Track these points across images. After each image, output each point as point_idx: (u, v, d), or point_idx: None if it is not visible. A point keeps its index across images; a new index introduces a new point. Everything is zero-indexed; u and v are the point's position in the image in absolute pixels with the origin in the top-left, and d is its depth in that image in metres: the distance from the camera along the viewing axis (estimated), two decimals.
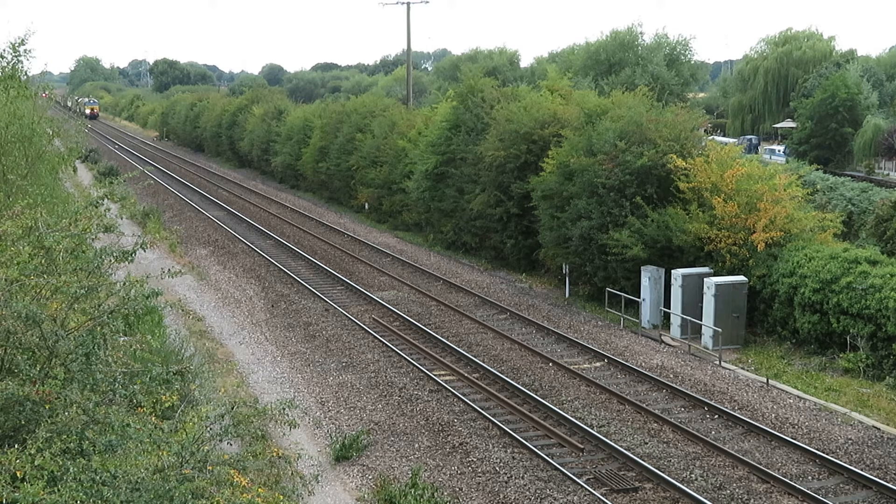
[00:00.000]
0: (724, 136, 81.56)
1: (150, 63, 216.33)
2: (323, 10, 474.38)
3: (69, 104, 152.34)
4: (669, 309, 28.16)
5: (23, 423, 9.41)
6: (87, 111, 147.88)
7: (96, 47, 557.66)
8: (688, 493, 17.17)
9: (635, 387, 23.72)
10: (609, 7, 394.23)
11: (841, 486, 17.85)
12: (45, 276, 10.43)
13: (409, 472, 17.56)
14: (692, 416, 21.67)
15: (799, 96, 77.41)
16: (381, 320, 29.92)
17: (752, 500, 17.20)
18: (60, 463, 8.51)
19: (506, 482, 18.07)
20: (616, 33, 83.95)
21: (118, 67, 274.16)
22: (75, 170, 54.90)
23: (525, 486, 17.86)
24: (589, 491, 17.48)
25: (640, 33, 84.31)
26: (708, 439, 19.86)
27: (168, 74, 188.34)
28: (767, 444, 19.88)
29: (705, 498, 17.09)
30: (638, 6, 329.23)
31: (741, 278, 26.98)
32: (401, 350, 26.69)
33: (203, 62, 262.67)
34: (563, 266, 33.18)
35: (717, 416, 21.54)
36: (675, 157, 29.69)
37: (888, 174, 65.78)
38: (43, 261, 10.78)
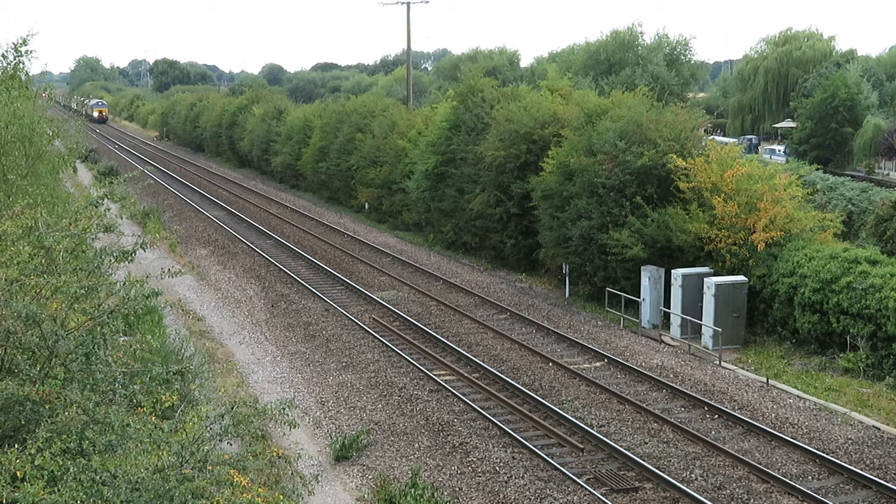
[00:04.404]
0: (724, 135, 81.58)
1: (150, 63, 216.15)
2: (323, 10, 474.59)
3: (73, 105, 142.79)
4: (669, 309, 28.16)
5: (23, 423, 9.41)
6: (95, 114, 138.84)
7: (96, 47, 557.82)
8: (688, 493, 17.17)
9: (635, 387, 23.73)
10: (609, 7, 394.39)
11: (841, 486, 17.85)
12: (45, 276, 10.42)
13: (409, 472, 17.56)
14: (692, 415, 21.67)
15: (799, 96, 77.42)
16: (381, 320, 29.92)
17: (752, 500, 17.20)
18: (60, 463, 8.51)
19: (506, 482, 18.07)
20: (616, 33, 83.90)
21: (118, 67, 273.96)
22: (75, 170, 54.94)
23: (525, 485, 17.87)
24: (589, 491, 17.48)
25: (641, 33, 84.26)
26: (708, 439, 19.87)
27: (168, 74, 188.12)
28: (767, 444, 19.89)
29: (705, 498, 17.09)
30: (638, 6, 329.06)
31: (741, 278, 26.98)
32: (401, 350, 26.69)
33: (203, 62, 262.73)
34: (563, 266, 33.18)
35: (717, 416, 21.54)
36: (675, 156, 29.69)
37: (888, 174, 65.79)
38: (43, 261, 10.78)
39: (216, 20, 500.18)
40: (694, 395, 22.73)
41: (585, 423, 20.83)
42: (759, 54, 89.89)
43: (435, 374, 24.42)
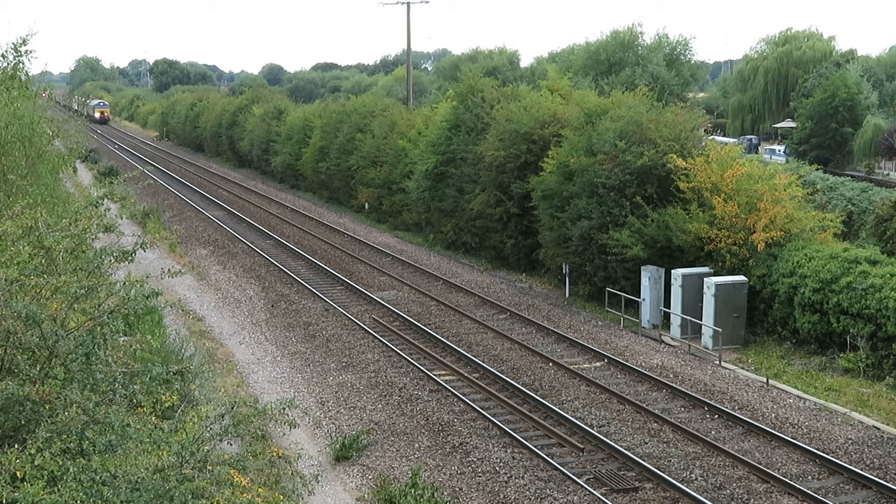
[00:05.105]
0: (724, 135, 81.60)
1: (150, 63, 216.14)
2: (323, 10, 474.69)
3: (74, 105, 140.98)
4: (669, 309, 28.16)
5: (23, 423, 9.41)
6: (97, 114, 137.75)
7: (96, 47, 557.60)
8: (688, 493, 17.17)
9: (635, 387, 23.73)
10: (609, 7, 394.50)
11: (841, 486, 17.85)
12: (45, 276, 10.42)
13: (409, 472, 17.56)
14: (692, 415, 21.67)
15: (799, 96, 77.43)
16: (381, 320, 29.92)
17: (752, 500, 17.20)
18: (60, 463, 8.51)
19: (506, 482, 18.07)
20: (616, 33, 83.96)
21: (118, 67, 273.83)
22: (75, 170, 54.92)
23: (525, 485, 17.87)
24: (589, 491, 17.48)
25: (641, 33, 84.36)
26: (708, 439, 19.87)
27: (168, 74, 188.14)
28: (767, 444, 19.89)
29: (705, 498, 17.09)
30: (638, 6, 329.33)
31: (741, 278, 26.97)
32: (401, 350, 26.69)
33: (203, 62, 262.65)
34: (563, 266, 33.18)
35: (717, 416, 21.54)
36: (675, 156, 29.68)
37: (888, 174, 65.80)
38: (43, 261, 10.78)
39: (216, 20, 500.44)
40: (694, 395, 22.73)
41: (585, 423, 20.83)
42: (759, 54, 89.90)
43: (435, 374, 24.42)
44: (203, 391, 18.69)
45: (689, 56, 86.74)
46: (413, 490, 16.65)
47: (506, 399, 22.39)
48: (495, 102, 40.36)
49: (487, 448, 19.68)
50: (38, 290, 10.44)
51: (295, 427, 12.93)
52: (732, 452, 19.09)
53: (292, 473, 12.82)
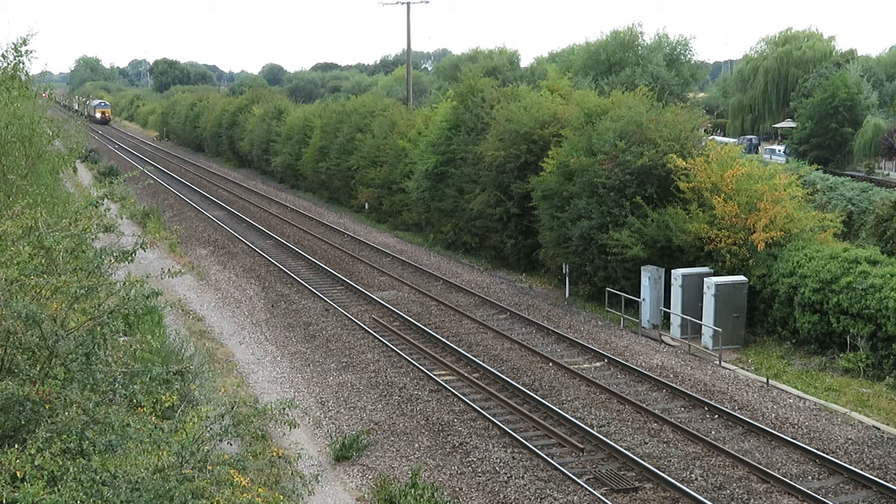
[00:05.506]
0: (724, 136, 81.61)
1: (150, 63, 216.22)
2: (323, 10, 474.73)
3: (75, 106, 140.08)
4: (669, 309, 28.16)
5: (23, 423, 9.41)
6: (97, 115, 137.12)
7: (96, 47, 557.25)
8: (688, 493, 17.17)
9: (635, 387, 23.73)
10: (609, 7, 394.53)
11: (841, 486, 17.85)
12: (45, 276, 10.42)
13: (409, 472, 17.57)
14: (692, 415, 21.67)
15: (799, 96, 77.43)
16: (381, 320, 29.92)
17: (752, 500, 17.20)
18: (60, 463, 8.51)
19: (506, 482, 18.07)
20: (616, 33, 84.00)
21: (118, 67, 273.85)
22: (75, 170, 54.93)
23: (525, 485, 17.87)
24: (589, 491, 17.48)
25: (641, 33, 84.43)
26: (708, 439, 19.87)
27: (168, 74, 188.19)
28: (767, 444, 19.89)
29: (705, 498, 17.09)
30: (638, 6, 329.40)
31: (741, 278, 26.98)
32: (401, 350, 26.69)
33: (203, 62, 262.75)
34: (563, 266, 33.18)
35: (717, 416, 21.54)
36: (675, 156, 29.68)
37: (888, 174, 65.80)
38: (43, 261, 10.78)
39: (216, 20, 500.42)
40: (694, 395, 22.73)
41: (585, 423, 20.83)
42: (759, 54, 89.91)
43: (435, 374, 24.42)
44: (203, 391, 18.69)
45: (689, 56, 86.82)
46: (413, 490, 16.65)
47: (506, 399, 22.39)
48: (495, 102, 40.36)
49: (487, 448, 19.68)
50: (38, 290, 10.44)
51: (295, 427, 12.93)
52: (732, 452, 19.09)
53: (292, 473, 12.82)
